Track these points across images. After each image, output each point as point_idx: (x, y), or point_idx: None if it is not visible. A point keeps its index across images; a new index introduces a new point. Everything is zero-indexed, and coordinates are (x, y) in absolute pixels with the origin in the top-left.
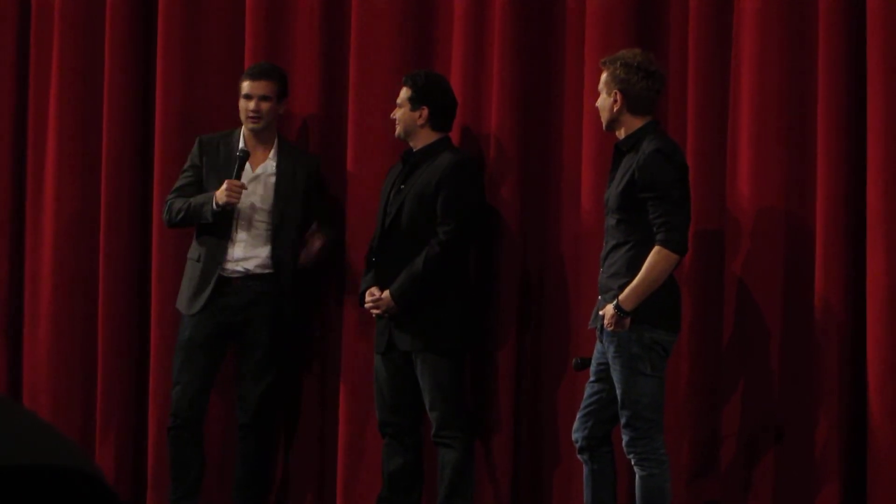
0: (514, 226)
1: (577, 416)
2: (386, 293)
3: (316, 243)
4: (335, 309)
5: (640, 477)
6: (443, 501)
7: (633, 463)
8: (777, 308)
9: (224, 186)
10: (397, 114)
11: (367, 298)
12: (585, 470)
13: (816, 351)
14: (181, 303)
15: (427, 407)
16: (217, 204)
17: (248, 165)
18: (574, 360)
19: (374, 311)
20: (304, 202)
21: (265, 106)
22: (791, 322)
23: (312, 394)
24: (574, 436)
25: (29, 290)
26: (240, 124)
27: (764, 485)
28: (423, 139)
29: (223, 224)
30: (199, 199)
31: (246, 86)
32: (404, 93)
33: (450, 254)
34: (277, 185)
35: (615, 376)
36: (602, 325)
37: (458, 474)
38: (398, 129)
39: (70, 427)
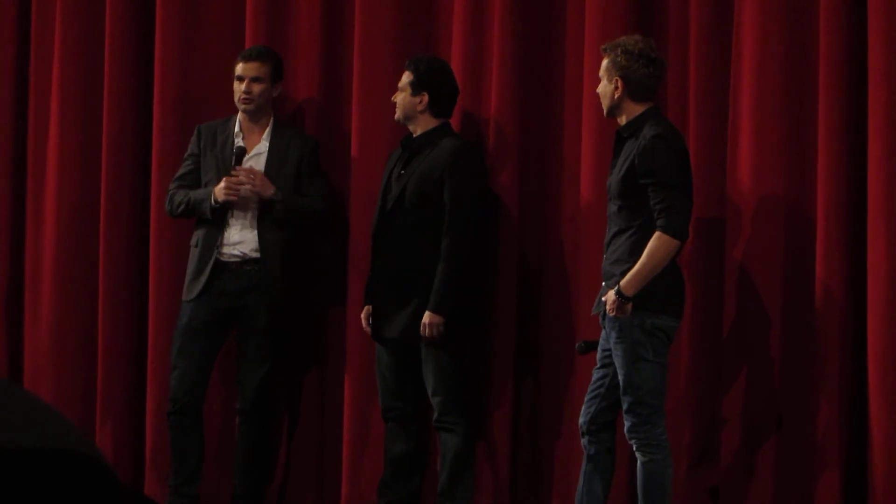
0: (514, 212)
1: (584, 400)
2: (427, 313)
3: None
4: (338, 294)
5: (642, 463)
6: (444, 486)
7: (634, 449)
8: (778, 295)
9: (223, 184)
10: (398, 97)
11: (364, 323)
12: (585, 455)
13: (817, 338)
14: (184, 289)
15: (429, 393)
16: (216, 200)
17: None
18: (578, 344)
19: (429, 338)
20: (295, 182)
21: (256, 87)
22: (792, 309)
23: (316, 379)
24: (579, 420)
25: (30, 277)
26: (237, 111)
27: (765, 471)
28: (422, 125)
29: (219, 208)
30: (198, 193)
31: (238, 68)
32: (406, 77)
33: (464, 240)
34: (267, 165)
35: (617, 362)
36: (605, 311)
37: (459, 460)
38: (398, 113)
39: (70, 411)
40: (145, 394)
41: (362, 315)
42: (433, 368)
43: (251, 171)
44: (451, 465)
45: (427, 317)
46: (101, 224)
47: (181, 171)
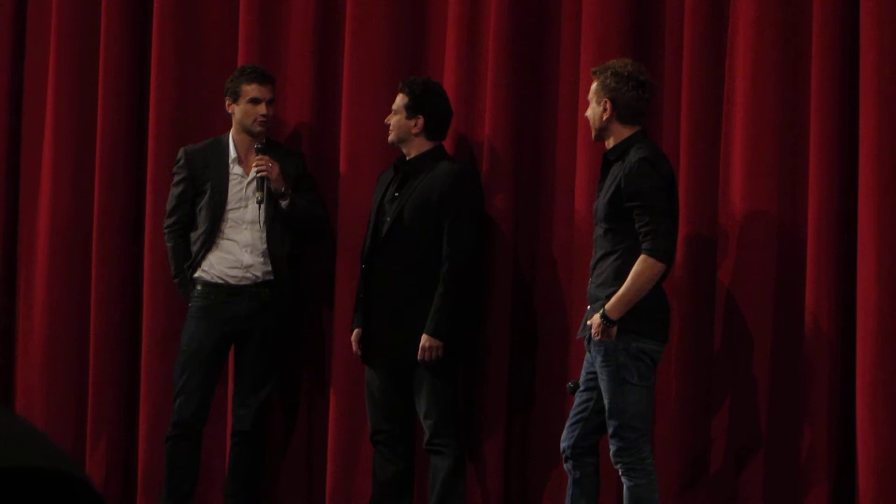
0: (507, 234)
1: (566, 425)
2: (426, 338)
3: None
4: (326, 315)
5: (628, 487)
6: None
7: (620, 473)
8: (767, 318)
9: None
10: (392, 120)
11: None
12: (570, 479)
13: (806, 360)
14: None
15: (422, 415)
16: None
17: (241, 170)
18: (568, 385)
19: (427, 359)
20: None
21: (272, 110)
22: (781, 332)
23: (302, 401)
24: (562, 445)
25: (22, 296)
26: (226, 130)
27: (753, 494)
28: (416, 147)
29: (231, 230)
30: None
31: (254, 89)
32: (400, 99)
33: (464, 264)
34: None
35: (602, 386)
36: (590, 334)
37: (449, 482)
38: (392, 136)
39: (62, 432)
40: (137, 415)
41: (353, 338)
42: (427, 391)
43: (270, 161)
44: (441, 488)
45: (426, 340)
46: (94, 243)
47: (175, 208)
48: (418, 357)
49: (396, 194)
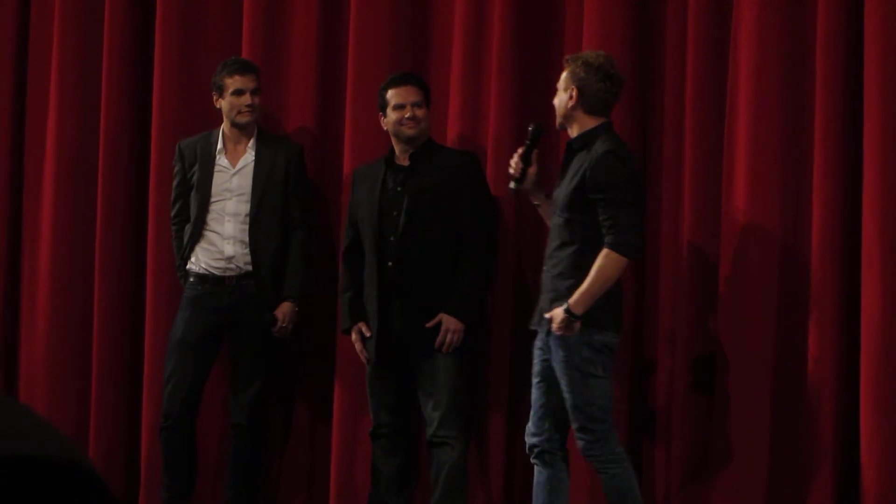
0: (509, 226)
1: (532, 420)
2: (450, 320)
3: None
4: (328, 308)
5: (605, 479)
6: (439, 499)
7: (595, 467)
8: (771, 317)
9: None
10: (420, 112)
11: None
12: (541, 476)
13: (810, 361)
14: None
15: (431, 406)
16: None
17: (227, 162)
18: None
19: (449, 343)
20: (284, 188)
21: (257, 99)
22: (784, 331)
23: (306, 394)
24: (529, 440)
25: (26, 288)
26: (217, 125)
27: (756, 492)
28: (423, 137)
29: (215, 221)
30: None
31: (236, 81)
32: (422, 93)
33: (489, 247)
34: (255, 175)
35: (564, 381)
36: (549, 327)
37: (455, 473)
38: (420, 127)
39: (65, 424)
40: (140, 407)
41: (356, 336)
42: (444, 382)
43: (283, 324)
44: (447, 479)
45: (450, 322)
46: (97, 237)
47: (175, 201)
48: (438, 340)
49: (401, 188)
